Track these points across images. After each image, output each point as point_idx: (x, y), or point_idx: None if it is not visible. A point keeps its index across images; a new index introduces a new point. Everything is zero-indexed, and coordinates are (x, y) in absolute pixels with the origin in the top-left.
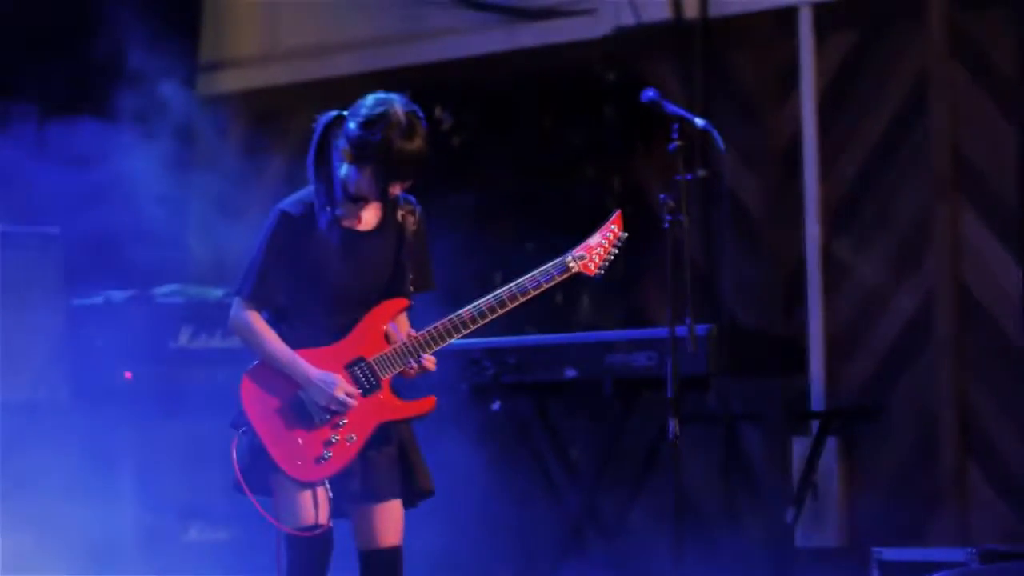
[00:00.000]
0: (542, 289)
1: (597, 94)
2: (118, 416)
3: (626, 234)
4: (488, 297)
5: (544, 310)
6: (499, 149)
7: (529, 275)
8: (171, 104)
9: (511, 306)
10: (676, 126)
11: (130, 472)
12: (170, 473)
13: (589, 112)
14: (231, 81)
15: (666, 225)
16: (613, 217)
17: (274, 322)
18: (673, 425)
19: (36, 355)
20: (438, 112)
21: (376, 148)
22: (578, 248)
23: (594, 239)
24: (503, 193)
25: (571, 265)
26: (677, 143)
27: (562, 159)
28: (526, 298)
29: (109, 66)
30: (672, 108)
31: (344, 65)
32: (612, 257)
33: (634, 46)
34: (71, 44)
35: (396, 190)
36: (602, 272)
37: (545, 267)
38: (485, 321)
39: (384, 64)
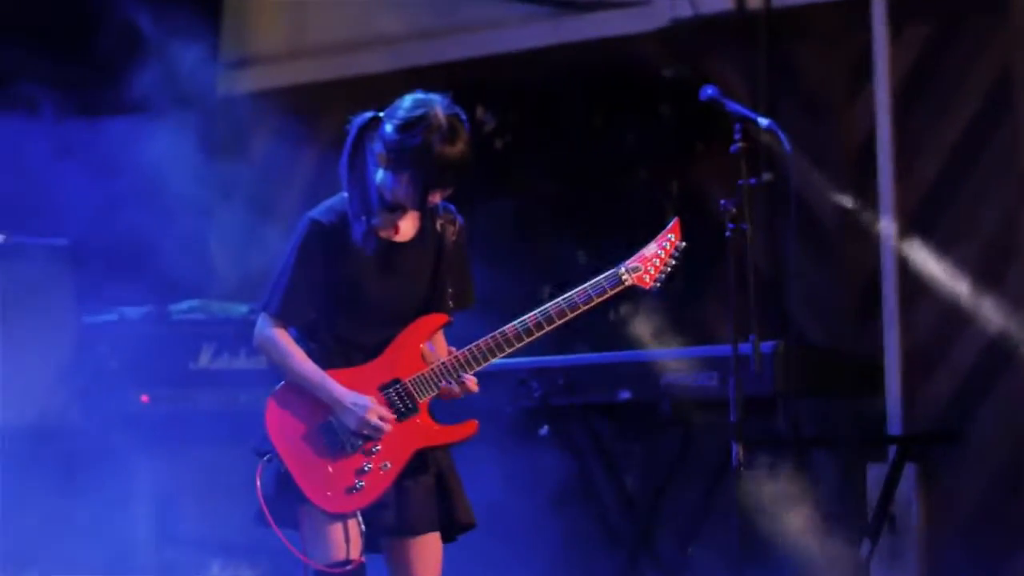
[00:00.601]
0: (593, 304)
1: (652, 92)
2: (133, 443)
3: (685, 244)
4: (535, 312)
5: (596, 326)
6: (546, 152)
7: (579, 288)
8: (190, 105)
9: (559, 322)
10: (738, 126)
11: (147, 504)
12: (190, 504)
13: (644, 111)
14: (255, 80)
15: (728, 233)
16: (670, 225)
17: (303, 340)
18: (737, 451)
19: (43, 377)
20: (480, 113)
21: (415, 153)
22: (632, 259)
23: (650, 249)
24: (550, 199)
25: (625, 277)
26: (739, 144)
27: (614, 162)
28: (576, 313)
29: (123, 65)
30: (734, 106)
31: (376, 62)
32: (670, 269)
33: (692, 40)
34: (83, 41)
35: (436, 198)
36: (659, 285)
37: (596, 279)
38: (531, 338)
39: (420, 61)
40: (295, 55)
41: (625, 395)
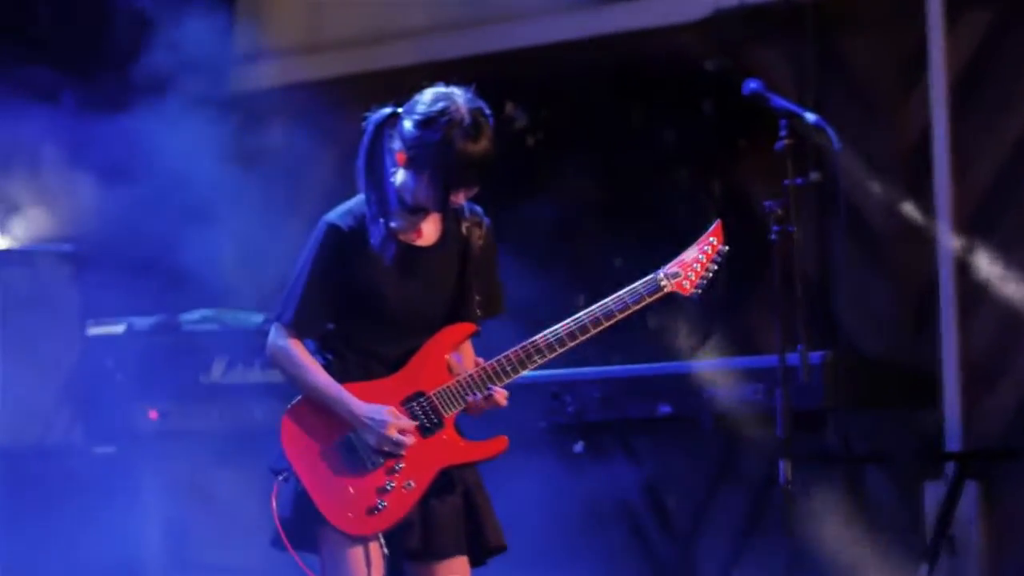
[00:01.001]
0: (630, 311)
1: (693, 86)
2: (141, 463)
3: (727, 247)
4: (568, 321)
5: (634, 336)
6: (580, 151)
7: (615, 296)
8: (202, 102)
9: (594, 331)
10: (784, 122)
11: (156, 527)
12: (202, 527)
13: (684, 107)
14: (270, 75)
15: (773, 237)
16: (712, 228)
17: (319, 351)
18: (784, 469)
19: (46, 392)
20: (509, 109)
21: (435, 150)
22: (672, 264)
23: (690, 254)
24: (584, 201)
25: (664, 284)
26: (785, 141)
27: (653, 161)
28: (612, 322)
29: (131, 61)
30: (779, 101)
31: (399, 56)
32: (711, 274)
33: (736, 30)
34: (88, 36)
35: (459, 199)
36: (699, 292)
37: (634, 286)
38: (564, 349)
39: (445, 54)
40: (313, 49)
41: (665, 410)
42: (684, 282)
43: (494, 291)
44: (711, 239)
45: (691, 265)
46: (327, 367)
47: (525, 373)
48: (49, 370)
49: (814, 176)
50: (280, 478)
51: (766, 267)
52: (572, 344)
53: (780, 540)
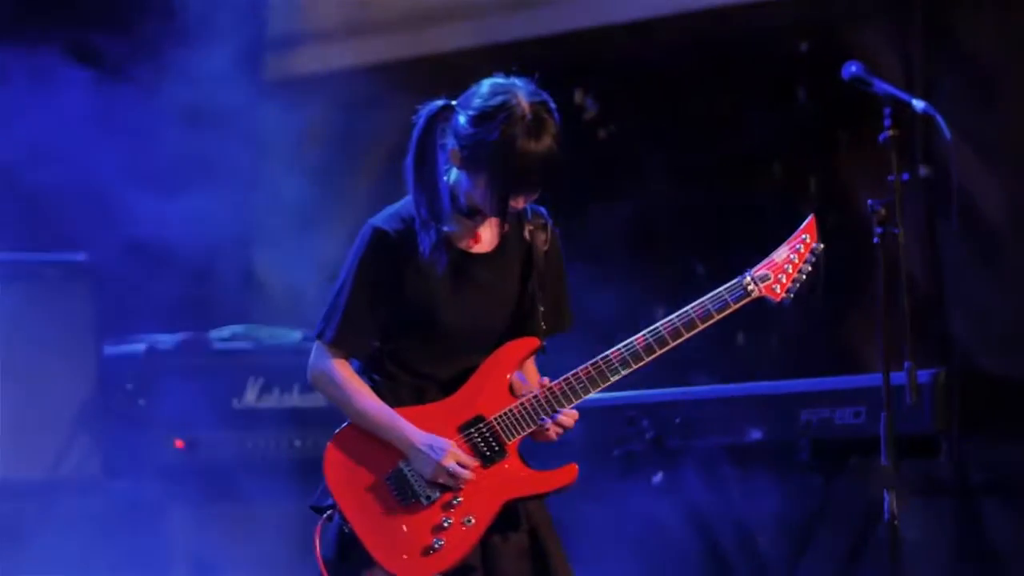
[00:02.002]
0: (713, 320)
1: (787, 70)
2: (166, 498)
3: (823, 246)
4: (643, 333)
5: (719, 353)
6: (659, 144)
7: (696, 303)
8: (233, 91)
9: (673, 344)
10: (888, 110)
11: (183, 569)
12: (232, 569)
13: (776, 93)
14: (308, 61)
15: (877, 239)
16: (805, 224)
17: (366, 372)
18: (890, 500)
19: (59, 419)
20: (578, 98)
21: (492, 150)
22: (760, 266)
23: (780, 254)
24: (664, 201)
25: (751, 288)
26: (890, 132)
27: (741, 155)
28: (692, 332)
29: (154, 44)
30: (883, 87)
31: (455, 38)
32: (804, 276)
33: (835, 7)
34: (110, 15)
35: (519, 203)
36: (791, 296)
37: (717, 292)
38: (640, 364)
39: (504, 36)
40: (356, 31)
41: (756, 435)
42: (774, 285)
43: (561, 303)
44: (803, 236)
45: (782, 267)
46: (375, 390)
47: (595, 394)
48: (60, 395)
49: (923, 171)
50: (324, 516)
51: (869, 274)
52: (649, 359)
53: None
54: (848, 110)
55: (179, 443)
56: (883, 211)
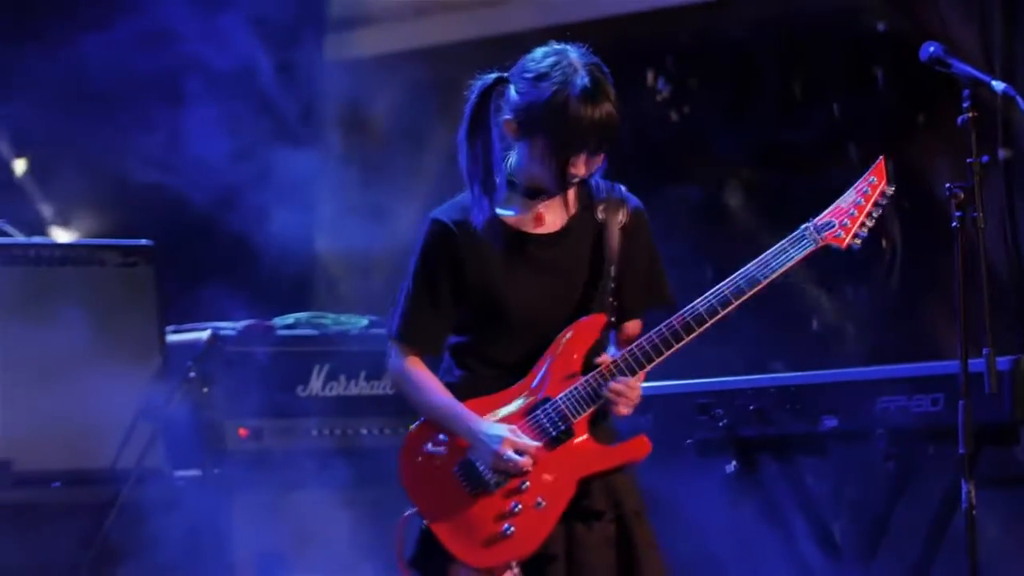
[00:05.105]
0: (777, 276)
1: (862, 51)
2: (229, 487)
3: (893, 188)
4: (707, 295)
5: (794, 341)
6: (733, 125)
7: (758, 259)
8: (294, 72)
9: (736, 303)
10: (967, 92)
11: (247, 560)
12: (299, 561)
13: (852, 75)
14: (370, 42)
15: (955, 223)
16: (874, 166)
17: (451, 367)
18: (967, 490)
19: (121, 409)
20: (651, 78)
21: (548, 110)
22: (823, 214)
23: (846, 198)
24: (739, 183)
25: (814, 237)
26: (969, 114)
27: (817, 137)
28: (756, 290)
29: (214, 26)
30: (962, 68)
31: (522, 18)
32: (872, 222)
33: None
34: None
35: (579, 170)
36: (859, 242)
37: (779, 245)
38: (703, 328)
39: (576, 15)
40: (420, 11)
41: (831, 423)
42: (839, 231)
43: (650, 278)
44: (871, 179)
45: (847, 211)
46: (460, 384)
47: (660, 361)
48: (122, 383)
49: (1003, 154)
50: (404, 515)
51: (947, 259)
52: (712, 321)
53: (962, 573)
54: (926, 91)
55: (243, 431)
56: (962, 195)
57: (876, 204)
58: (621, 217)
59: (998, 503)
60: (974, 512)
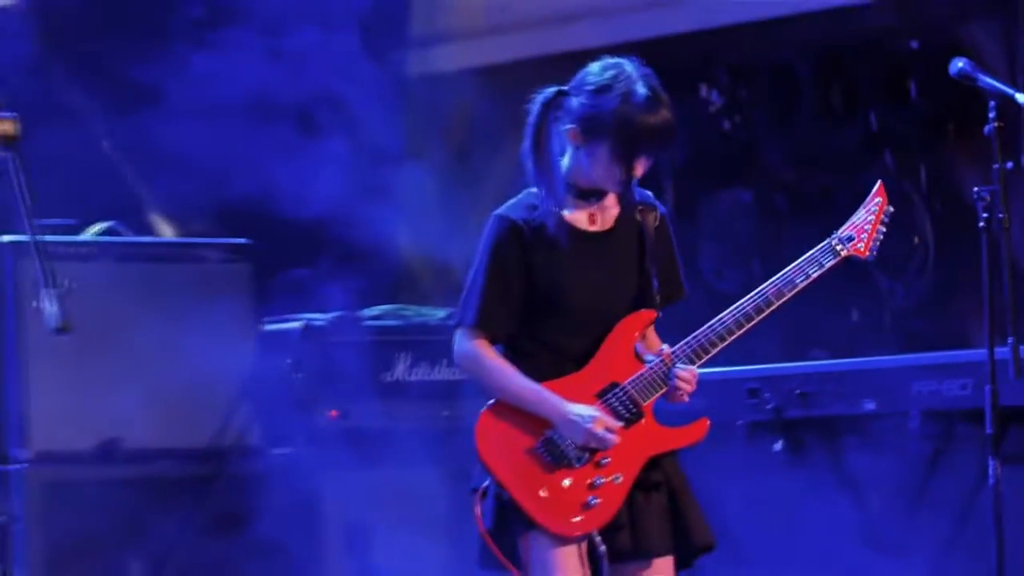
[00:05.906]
0: (811, 281)
1: (897, 66)
2: (320, 465)
3: (892, 208)
4: (751, 296)
5: (836, 329)
6: (779, 135)
7: (793, 266)
8: (377, 87)
9: (777, 304)
10: (993, 103)
11: (335, 534)
12: (386, 536)
13: (887, 88)
14: (450, 58)
15: (982, 224)
16: (875, 189)
17: (507, 355)
18: (994, 467)
19: (221, 392)
20: (704, 91)
21: (614, 118)
22: (844, 228)
23: (859, 216)
24: (784, 188)
25: (840, 249)
26: (995, 124)
27: (855, 146)
28: (794, 292)
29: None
30: (988, 82)
31: (589, 36)
32: (882, 237)
33: (944, 8)
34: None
35: (640, 170)
36: (874, 253)
37: (810, 254)
38: (751, 325)
39: (637, 34)
40: (496, 30)
41: (870, 406)
42: (859, 244)
43: (673, 276)
44: (876, 199)
45: (863, 227)
46: (523, 369)
47: (714, 354)
48: (224, 369)
49: None
50: (478, 494)
51: (975, 256)
52: (759, 318)
53: (990, 547)
54: (956, 103)
55: (333, 413)
56: (988, 198)
57: (882, 222)
58: (653, 219)
59: (1022, 479)
60: (999, 487)
